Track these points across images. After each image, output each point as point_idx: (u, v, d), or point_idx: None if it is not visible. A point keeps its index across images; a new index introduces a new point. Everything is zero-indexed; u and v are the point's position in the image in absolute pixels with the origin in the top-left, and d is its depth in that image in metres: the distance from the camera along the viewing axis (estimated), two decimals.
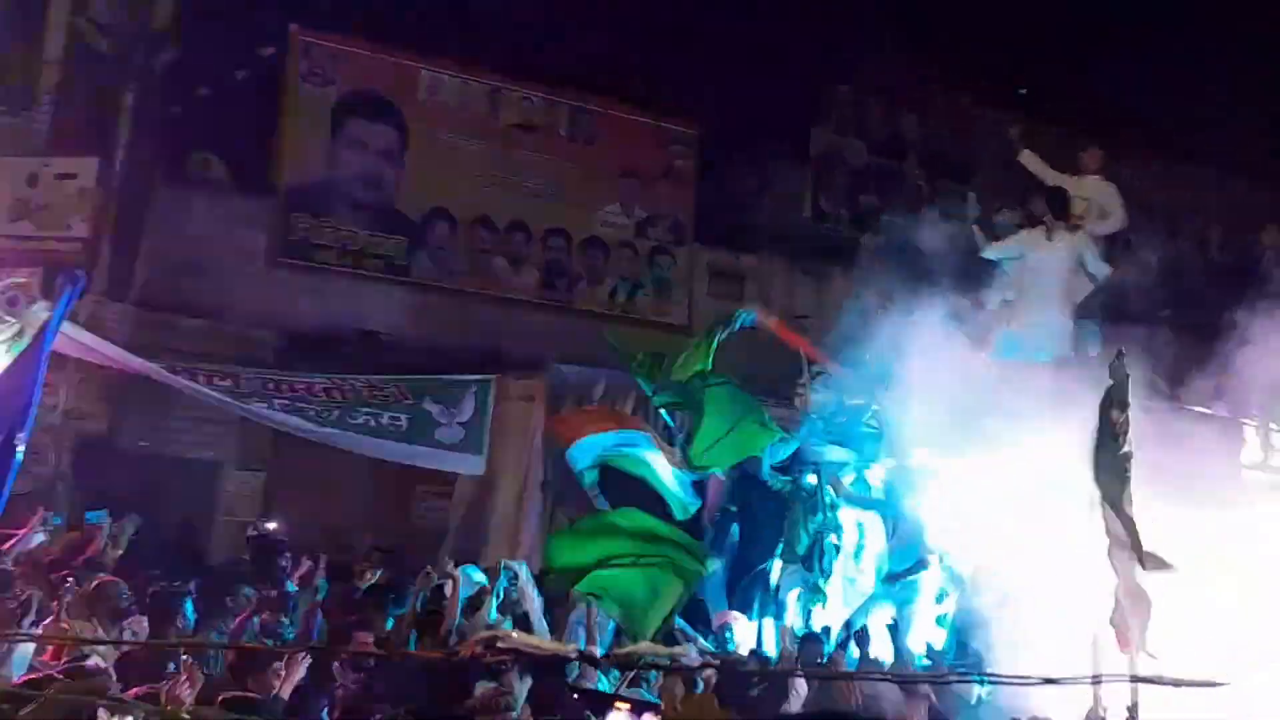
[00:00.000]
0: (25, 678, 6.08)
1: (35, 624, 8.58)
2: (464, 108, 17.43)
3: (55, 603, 8.78)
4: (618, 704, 2.23)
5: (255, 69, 16.29)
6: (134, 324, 13.79)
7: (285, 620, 10.24)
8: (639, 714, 2.32)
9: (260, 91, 16.25)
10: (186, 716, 2.58)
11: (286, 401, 13.34)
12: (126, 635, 8.80)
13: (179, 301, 14.66)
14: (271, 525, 13.46)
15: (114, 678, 7.13)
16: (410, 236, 16.89)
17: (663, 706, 2.23)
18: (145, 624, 9.10)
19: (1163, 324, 11.81)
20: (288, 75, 16.37)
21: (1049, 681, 2.39)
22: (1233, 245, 12.87)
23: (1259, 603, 8.43)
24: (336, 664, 8.29)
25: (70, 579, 9.77)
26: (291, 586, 11.31)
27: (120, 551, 11.38)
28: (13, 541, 10.15)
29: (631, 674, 8.25)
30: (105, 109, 14.91)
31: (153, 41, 15.24)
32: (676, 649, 7.82)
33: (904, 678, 8.68)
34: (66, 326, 10.45)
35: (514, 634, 2.41)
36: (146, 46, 15.19)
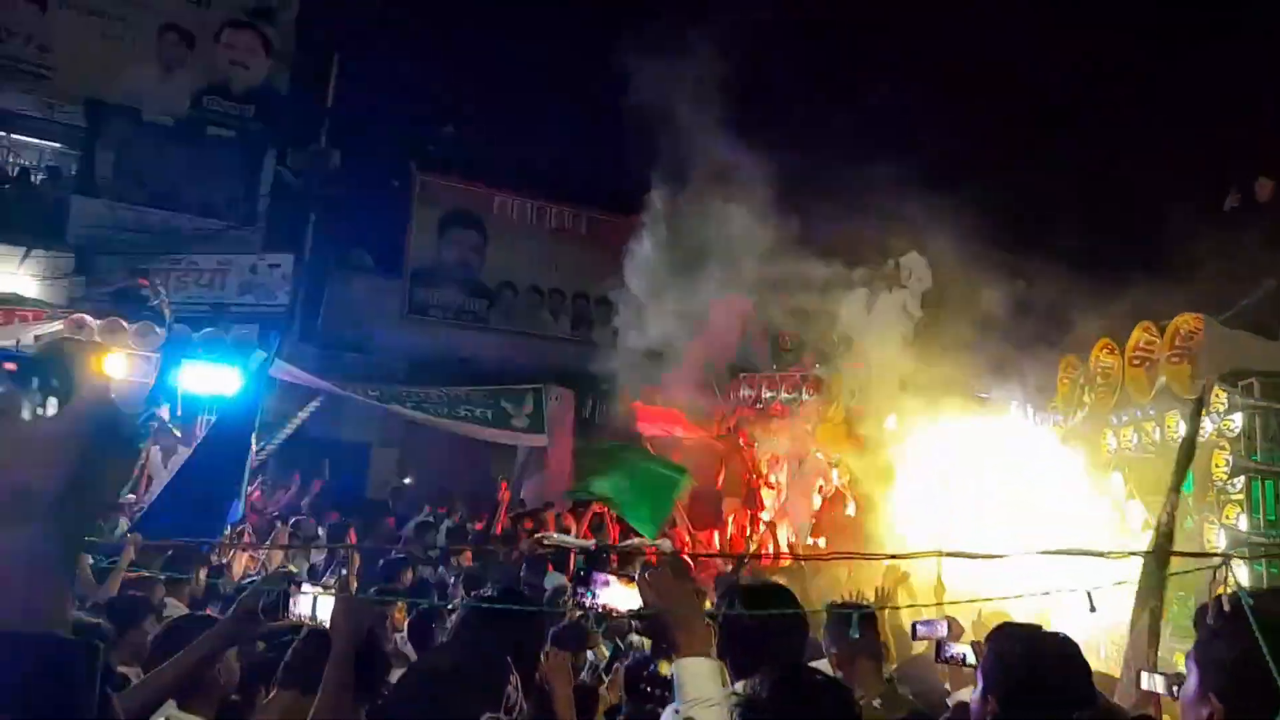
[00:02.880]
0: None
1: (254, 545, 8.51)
2: (521, 218, 17.44)
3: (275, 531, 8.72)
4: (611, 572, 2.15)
5: (391, 195, 16.34)
6: (317, 357, 13.76)
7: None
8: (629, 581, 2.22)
9: (395, 209, 16.30)
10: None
11: (413, 403, 13.32)
12: (313, 553, 8.77)
13: (344, 342, 14.63)
14: (407, 481, 13.42)
15: (305, 578, 7.07)
16: (489, 300, 16.88)
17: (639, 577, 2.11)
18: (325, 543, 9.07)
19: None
20: (412, 199, 16.41)
21: (894, 557, 2.31)
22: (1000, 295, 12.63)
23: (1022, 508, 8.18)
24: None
25: (278, 518, 9.73)
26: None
27: (308, 499, 11.36)
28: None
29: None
30: (297, 223, 14.93)
31: (326, 179, 15.29)
32: (661, 540, 7.73)
33: (811, 555, 8.53)
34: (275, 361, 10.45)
35: (554, 536, 2.35)
36: (322, 182, 15.24)
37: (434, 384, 13.95)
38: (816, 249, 11.94)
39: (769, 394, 12.80)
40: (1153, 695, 3.53)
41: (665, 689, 4.66)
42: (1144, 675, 4.30)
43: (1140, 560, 4.09)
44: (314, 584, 6.13)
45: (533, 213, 17.49)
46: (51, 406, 0.94)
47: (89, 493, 0.92)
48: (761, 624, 2.73)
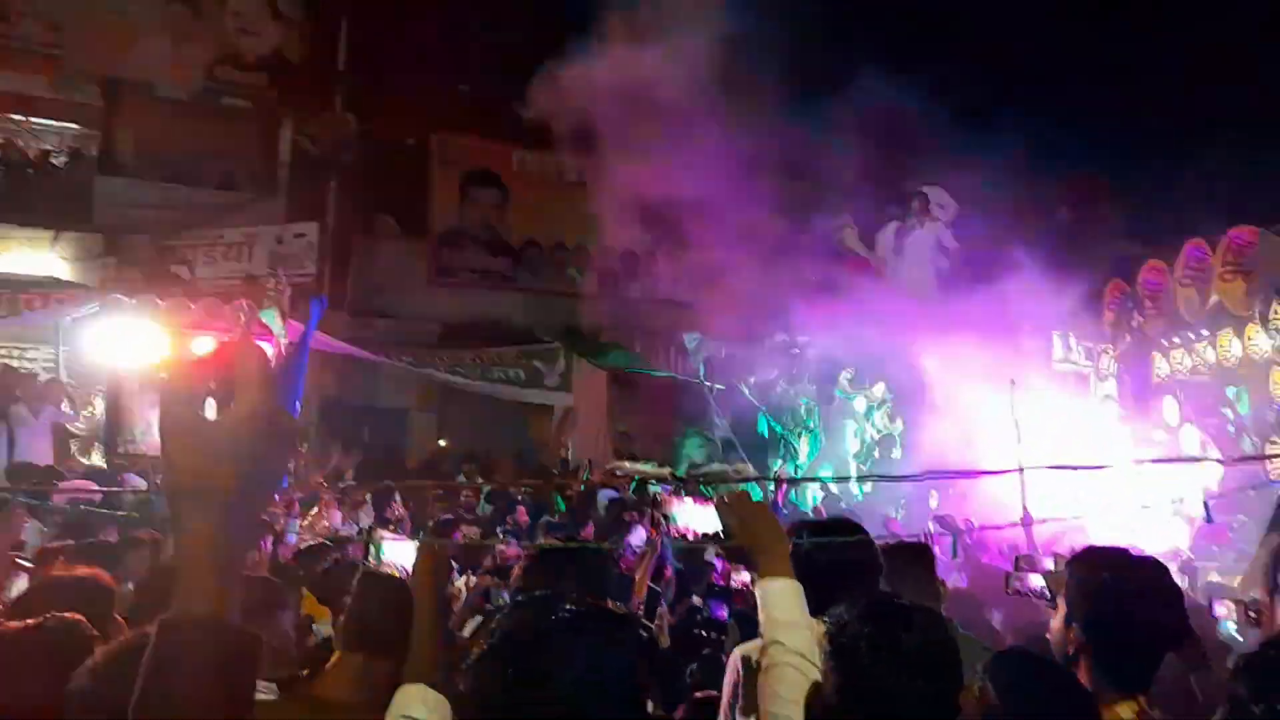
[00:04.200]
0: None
1: (301, 514, 8.58)
2: (540, 172, 17.22)
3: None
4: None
5: (410, 158, 16.20)
6: (348, 325, 13.76)
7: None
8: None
9: (415, 172, 16.17)
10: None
11: (446, 367, 13.35)
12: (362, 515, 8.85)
13: (374, 309, 14.65)
14: (442, 443, 13.52)
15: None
16: (514, 259, 16.77)
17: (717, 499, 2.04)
18: (371, 509, 9.14)
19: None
20: (431, 161, 16.28)
21: (977, 474, 2.17)
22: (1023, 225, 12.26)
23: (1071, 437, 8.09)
24: None
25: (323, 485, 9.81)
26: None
27: (351, 468, 11.45)
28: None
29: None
30: (319, 191, 14.88)
31: (343, 145, 15.17)
32: (741, 465, 7.66)
33: (889, 477, 8.37)
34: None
35: (626, 464, 2.26)
36: (340, 149, 15.13)
37: (466, 346, 13.97)
38: (841, 189, 11.70)
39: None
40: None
41: (720, 631, 4.65)
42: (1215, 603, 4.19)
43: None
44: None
45: (552, 165, 17.27)
46: (210, 410, 1.00)
47: (257, 487, 0.99)
48: (837, 558, 2.65)
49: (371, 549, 2.78)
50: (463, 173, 16.60)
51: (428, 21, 14.58)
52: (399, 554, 2.67)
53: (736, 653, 2.81)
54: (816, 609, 2.52)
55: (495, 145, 16.84)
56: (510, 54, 15.57)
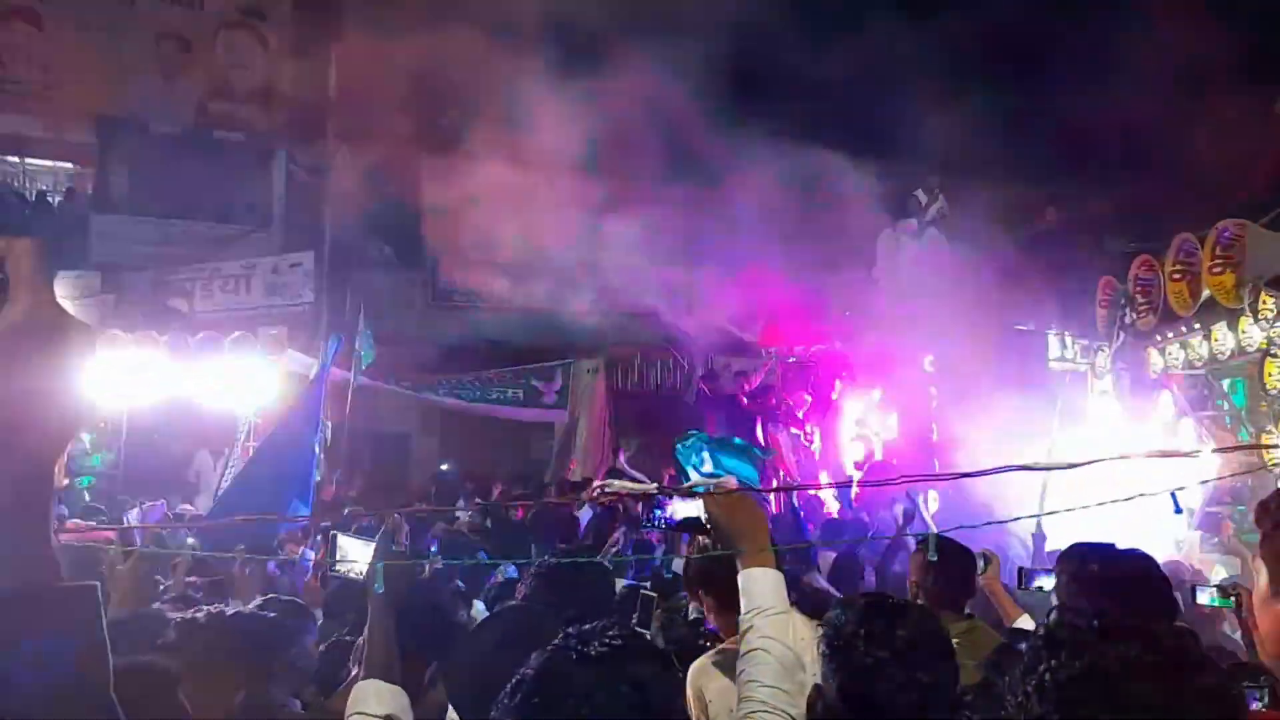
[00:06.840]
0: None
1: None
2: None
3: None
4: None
5: (404, 183, 16.28)
6: (347, 352, 13.81)
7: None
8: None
9: (411, 200, 16.26)
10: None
11: (446, 390, 13.40)
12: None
13: (373, 335, 14.66)
14: (445, 467, 13.56)
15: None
16: (512, 279, 16.83)
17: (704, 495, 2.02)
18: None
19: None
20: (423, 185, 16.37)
21: (967, 475, 2.21)
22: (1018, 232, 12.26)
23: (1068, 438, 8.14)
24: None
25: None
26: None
27: (354, 492, 11.52)
28: None
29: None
30: (315, 220, 14.99)
31: (337, 174, 15.30)
32: (724, 478, 7.71)
33: (885, 482, 8.42)
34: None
35: (615, 483, 2.30)
36: (335, 179, 15.26)
37: (465, 369, 14.00)
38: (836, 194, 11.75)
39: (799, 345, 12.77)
40: None
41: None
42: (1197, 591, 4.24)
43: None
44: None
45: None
46: None
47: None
48: None
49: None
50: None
51: (415, 47, 14.71)
52: (358, 553, 2.72)
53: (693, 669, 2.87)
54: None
55: (489, 167, 16.91)
56: (503, 76, 15.70)
